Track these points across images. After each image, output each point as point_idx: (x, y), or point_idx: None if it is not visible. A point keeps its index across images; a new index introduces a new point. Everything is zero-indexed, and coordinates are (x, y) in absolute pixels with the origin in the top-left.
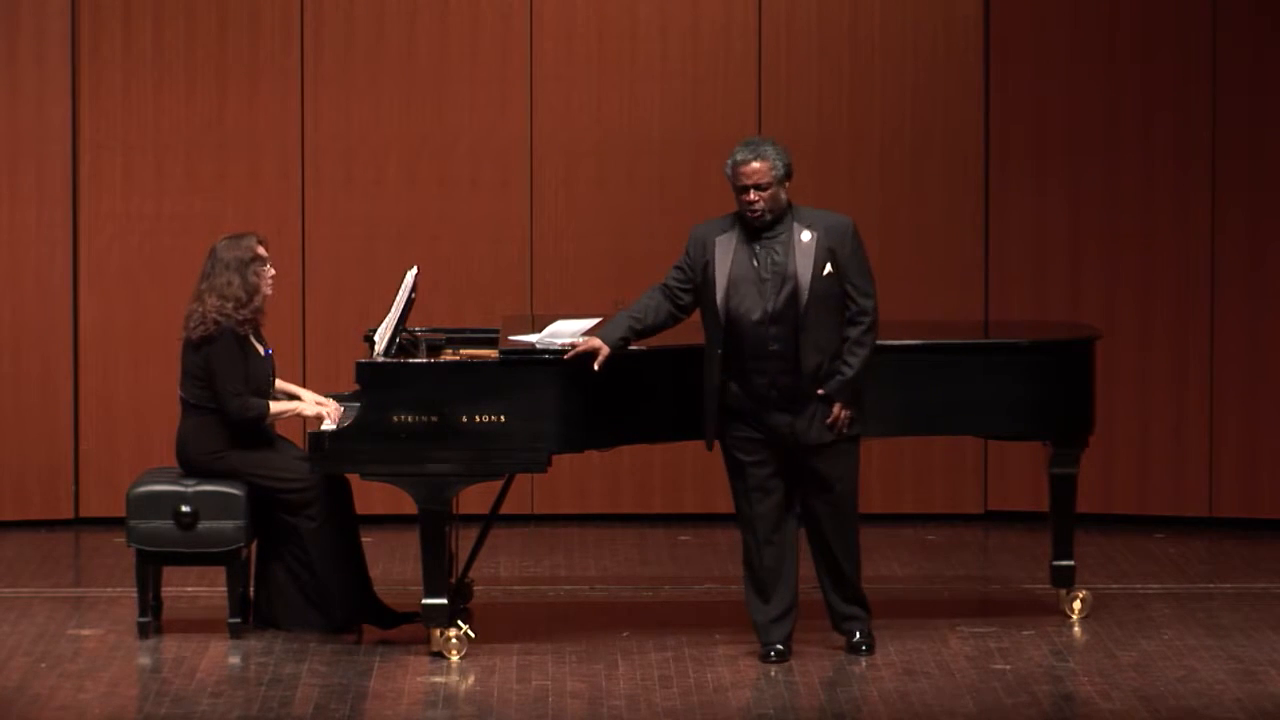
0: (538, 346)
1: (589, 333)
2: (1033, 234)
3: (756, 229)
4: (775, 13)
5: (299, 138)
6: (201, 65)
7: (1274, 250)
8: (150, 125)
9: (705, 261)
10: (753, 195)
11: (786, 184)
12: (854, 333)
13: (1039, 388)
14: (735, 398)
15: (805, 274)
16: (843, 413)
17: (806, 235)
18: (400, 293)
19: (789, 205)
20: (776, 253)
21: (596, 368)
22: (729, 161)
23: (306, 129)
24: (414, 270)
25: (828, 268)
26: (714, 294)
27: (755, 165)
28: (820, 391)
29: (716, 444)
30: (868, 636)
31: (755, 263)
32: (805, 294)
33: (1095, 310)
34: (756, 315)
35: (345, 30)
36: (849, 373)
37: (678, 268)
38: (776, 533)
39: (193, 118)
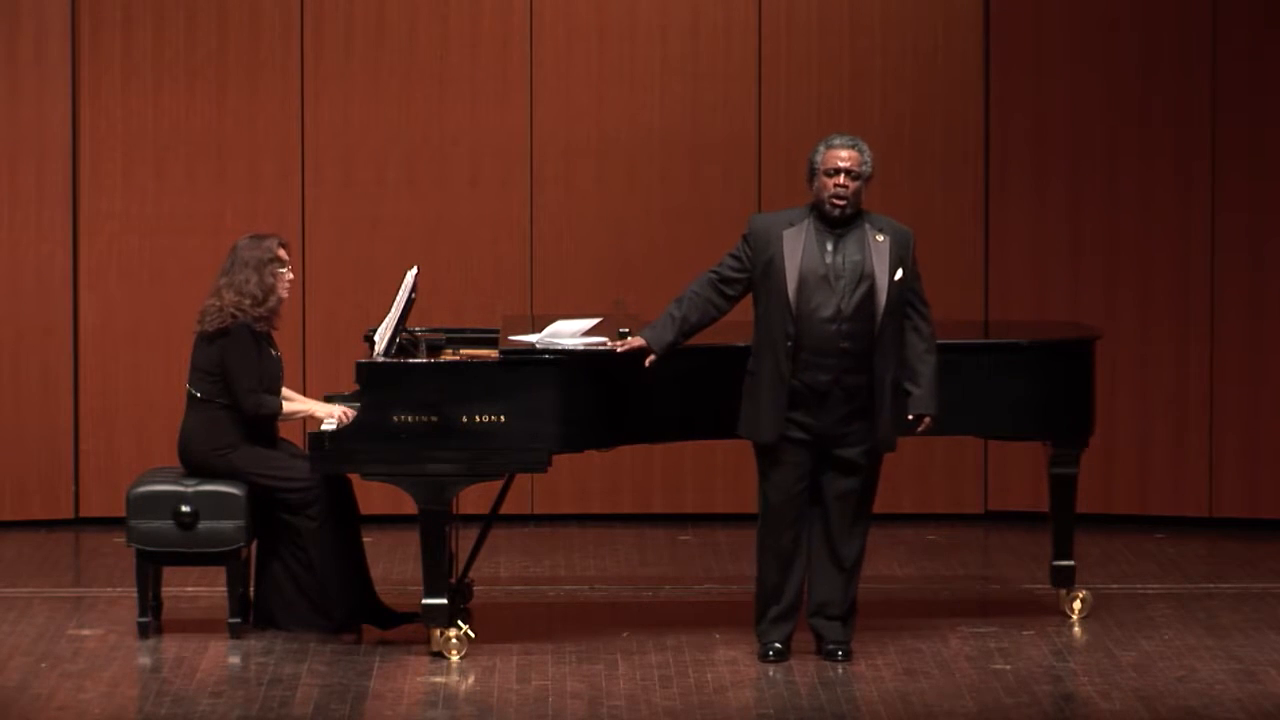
0: (538, 346)
1: (592, 331)
2: (1033, 234)
3: (830, 222)
4: (775, 13)
5: (299, 138)
6: (201, 65)
7: (1274, 250)
8: (150, 125)
9: (770, 255)
10: (843, 179)
11: (865, 188)
12: (921, 343)
13: (1039, 388)
14: (796, 393)
15: (882, 275)
16: (931, 423)
17: (881, 237)
18: (400, 293)
19: (860, 208)
20: (850, 249)
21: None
22: (819, 147)
23: (306, 129)
24: (414, 270)
25: (899, 272)
26: (784, 287)
27: (850, 153)
28: (910, 416)
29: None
30: (849, 645)
31: (828, 259)
32: (883, 296)
33: (1095, 310)
34: (829, 311)
35: (345, 30)
36: (925, 385)
37: (734, 256)
38: (793, 534)
39: (193, 118)
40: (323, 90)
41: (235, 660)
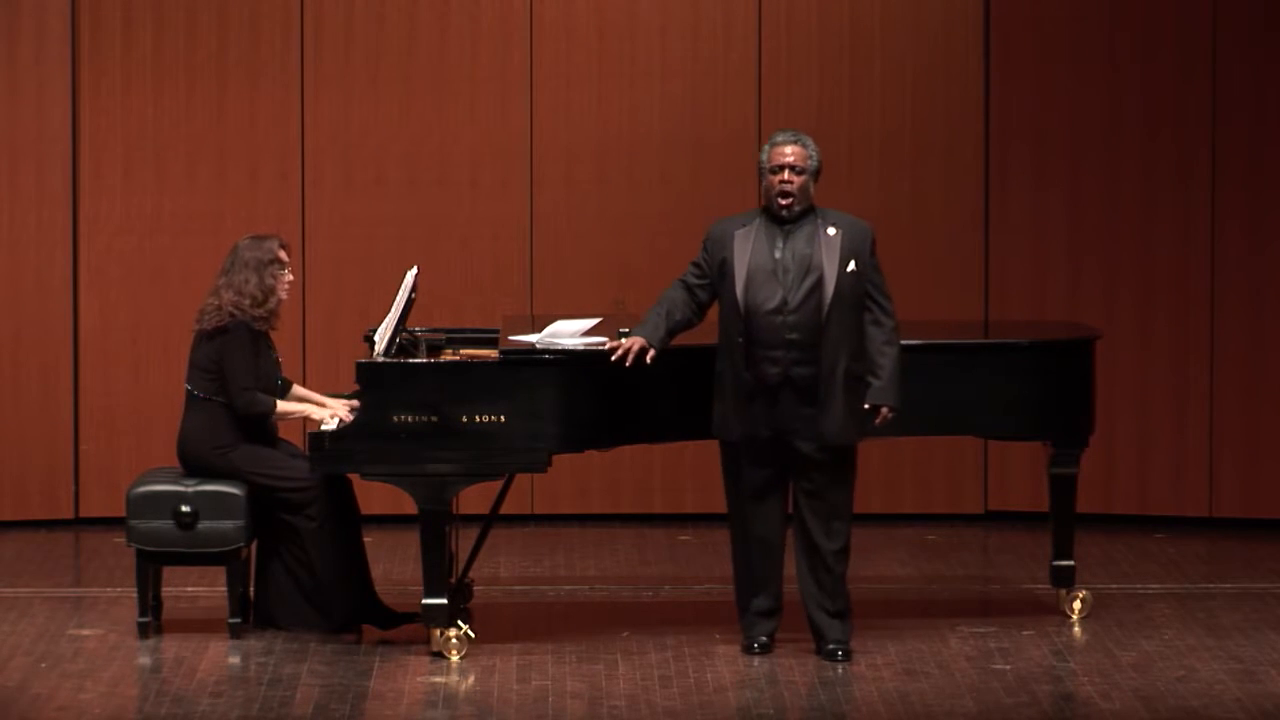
0: (538, 346)
1: (592, 331)
2: (1033, 234)
3: (780, 220)
4: (775, 13)
5: (299, 138)
6: (201, 65)
7: (1274, 250)
8: (150, 125)
9: (723, 257)
10: (787, 175)
11: (815, 182)
12: (881, 335)
13: (1039, 388)
14: (750, 388)
15: (831, 268)
16: (890, 414)
17: (832, 231)
18: (400, 293)
19: (812, 204)
20: (799, 244)
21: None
22: (765, 146)
23: (306, 129)
24: (414, 270)
25: (851, 265)
26: (733, 285)
27: (794, 148)
28: (866, 406)
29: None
30: (847, 644)
31: (777, 254)
32: (831, 288)
33: (1095, 310)
34: (773, 304)
35: (345, 30)
36: (885, 376)
37: (695, 264)
38: (769, 532)
39: (193, 118)
40: (323, 90)
41: (235, 660)
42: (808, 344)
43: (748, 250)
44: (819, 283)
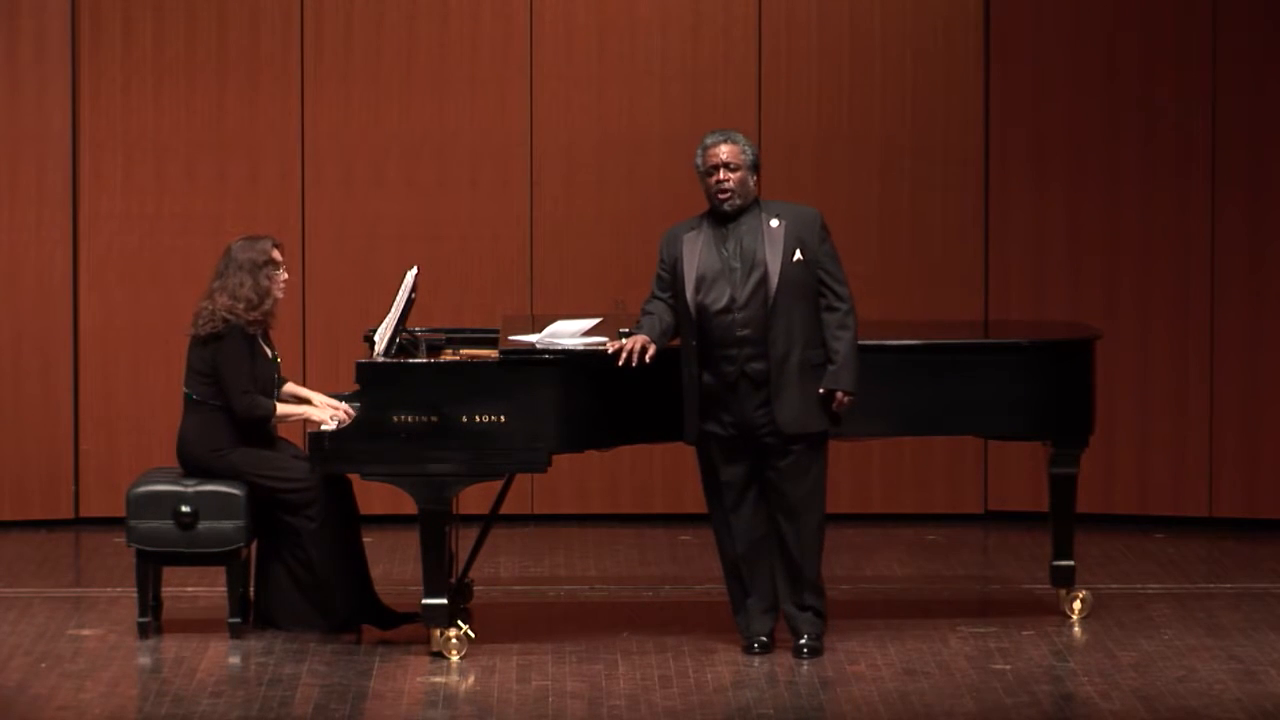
0: (538, 346)
1: (592, 331)
2: (1033, 234)
3: (724, 218)
4: (775, 13)
5: (299, 138)
6: (201, 65)
7: (1274, 250)
8: (150, 125)
9: (675, 259)
10: (723, 174)
11: (755, 176)
12: (834, 319)
13: (1039, 388)
14: (710, 389)
15: (775, 260)
16: (845, 399)
17: (775, 222)
18: (400, 293)
19: (756, 198)
20: (745, 240)
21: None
22: (698, 150)
23: (306, 129)
24: (414, 270)
25: (797, 254)
26: (684, 288)
27: (726, 147)
28: (821, 391)
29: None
30: (815, 640)
31: (724, 252)
32: (775, 279)
33: (1095, 310)
34: (723, 303)
35: (345, 30)
36: (839, 360)
37: (656, 277)
38: (753, 529)
39: (193, 118)
40: (323, 90)
41: (235, 660)
42: (759, 339)
43: (696, 253)
44: (764, 276)
